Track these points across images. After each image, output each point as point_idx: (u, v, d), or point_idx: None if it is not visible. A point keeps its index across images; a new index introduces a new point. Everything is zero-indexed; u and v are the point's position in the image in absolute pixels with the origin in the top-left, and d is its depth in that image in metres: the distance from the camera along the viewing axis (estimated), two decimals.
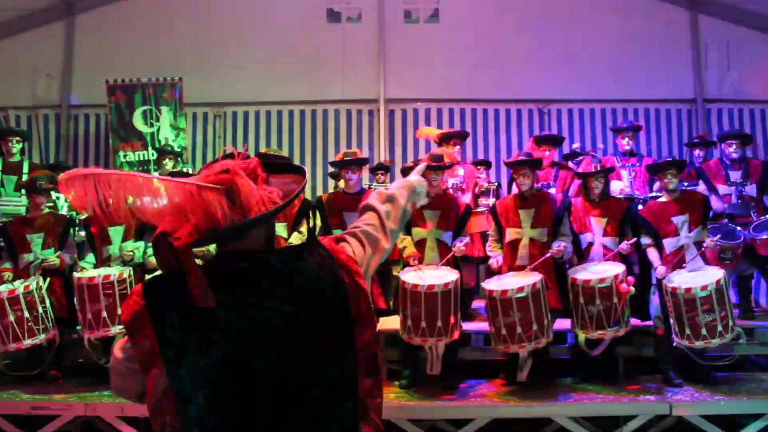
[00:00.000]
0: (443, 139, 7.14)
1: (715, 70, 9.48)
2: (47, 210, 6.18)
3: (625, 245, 5.41)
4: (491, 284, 5.18)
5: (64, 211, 6.65)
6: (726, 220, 6.33)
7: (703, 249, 5.35)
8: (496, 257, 5.65)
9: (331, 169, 8.24)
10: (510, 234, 5.59)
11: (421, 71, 9.33)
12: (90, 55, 9.40)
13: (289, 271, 1.72)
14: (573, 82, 9.37)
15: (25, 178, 7.15)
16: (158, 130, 8.82)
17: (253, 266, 1.72)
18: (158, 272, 1.75)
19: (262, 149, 7.87)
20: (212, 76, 9.24)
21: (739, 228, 6.08)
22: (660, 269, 5.45)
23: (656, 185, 6.52)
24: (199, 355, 1.61)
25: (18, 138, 7.41)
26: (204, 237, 1.65)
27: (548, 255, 5.32)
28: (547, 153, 6.96)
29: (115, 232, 5.93)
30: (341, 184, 6.64)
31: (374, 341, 1.77)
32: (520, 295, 4.96)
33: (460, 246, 5.46)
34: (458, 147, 7.07)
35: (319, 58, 9.39)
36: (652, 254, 5.61)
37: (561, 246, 5.34)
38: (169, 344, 1.62)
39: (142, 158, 8.80)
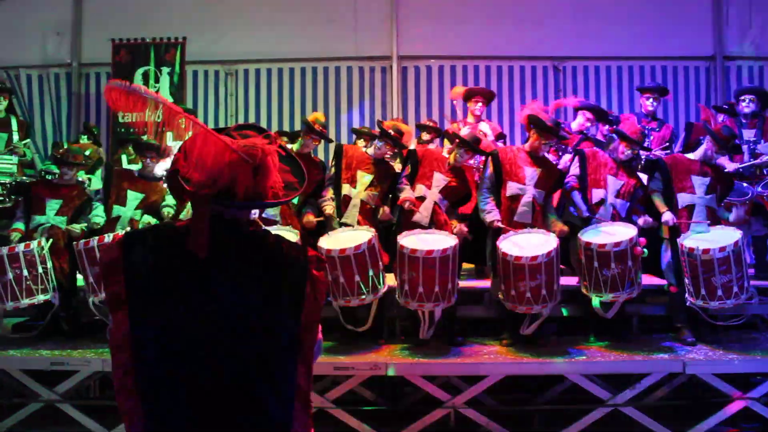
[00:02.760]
0: (467, 96, 7.04)
1: (735, 26, 9.22)
2: (74, 182, 6.18)
3: (643, 220, 5.40)
4: (506, 246, 5.14)
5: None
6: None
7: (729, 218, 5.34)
8: (495, 215, 5.42)
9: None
10: (511, 188, 5.49)
11: (435, 28, 9.16)
12: (99, 12, 9.32)
13: (260, 256, 1.86)
14: (589, 38, 9.20)
15: (15, 135, 7.15)
16: (157, 92, 8.72)
17: (235, 240, 1.86)
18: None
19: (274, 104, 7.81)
20: (224, 34, 9.16)
21: (746, 184, 6.01)
22: (666, 214, 5.39)
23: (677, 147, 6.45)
24: (159, 309, 1.78)
25: (4, 95, 7.31)
26: (219, 196, 1.81)
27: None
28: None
29: (133, 197, 5.94)
30: (360, 143, 6.65)
31: (311, 354, 1.90)
32: (533, 262, 4.94)
33: (462, 227, 5.48)
34: (480, 104, 6.97)
35: (332, 13, 9.25)
36: (658, 200, 5.54)
37: (565, 229, 5.36)
38: (135, 293, 1.79)
39: (139, 119, 8.72)
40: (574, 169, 5.68)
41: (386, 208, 5.70)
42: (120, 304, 1.80)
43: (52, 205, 6.00)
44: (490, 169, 5.59)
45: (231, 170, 1.77)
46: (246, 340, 1.79)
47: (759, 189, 5.98)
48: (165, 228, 1.87)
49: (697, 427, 4.83)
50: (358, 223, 5.61)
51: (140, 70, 8.81)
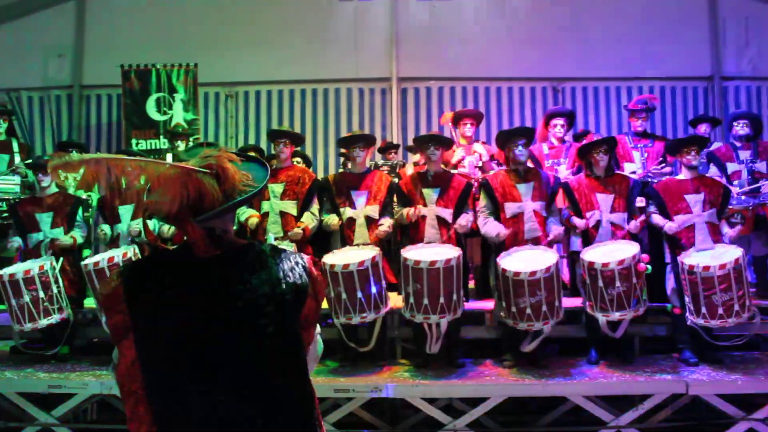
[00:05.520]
0: (457, 119, 7.06)
1: (733, 46, 9.30)
2: (56, 189, 6.17)
3: (633, 224, 5.38)
4: (505, 262, 5.13)
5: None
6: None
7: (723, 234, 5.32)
8: (499, 228, 5.41)
9: (342, 151, 8.21)
10: (510, 208, 5.50)
11: (434, 49, 9.25)
12: (102, 34, 9.36)
13: (261, 263, 1.91)
14: (587, 60, 9.27)
15: (16, 156, 7.16)
16: (170, 118, 8.76)
17: (232, 250, 1.92)
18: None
19: (274, 126, 7.83)
20: (224, 56, 9.18)
21: (744, 197, 6.04)
22: (669, 224, 5.37)
23: (667, 168, 6.42)
24: (164, 328, 1.81)
25: (3, 117, 7.36)
26: (196, 212, 1.86)
27: (549, 240, 5.39)
28: (558, 128, 6.86)
29: (125, 211, 5.93)
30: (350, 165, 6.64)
31: (307, 350, 1.98)
32: (532, 278, 4.92)
33: (461, 222, 5.45)
34: (469, 125, 6.98)
35: (331, 36, 9.32)
36: (657, 218, 5.51)
37: (560, 231, 5.38)
38: (140, 318, 1.83)
39: (154, 147, 8.74)
40: (563, 202, 5.71)
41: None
42: (125, 332, 1.84)
43: (44, 219, 6.02)
44: (484, 199, 5.62)
45: (195, 187, 1.81)
46: (256, 345, 1.83)
47: (759, 199, 6.00)
48: (159, 253, 1.95)
49: None
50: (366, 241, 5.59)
51: (152, 97, 8.78)
